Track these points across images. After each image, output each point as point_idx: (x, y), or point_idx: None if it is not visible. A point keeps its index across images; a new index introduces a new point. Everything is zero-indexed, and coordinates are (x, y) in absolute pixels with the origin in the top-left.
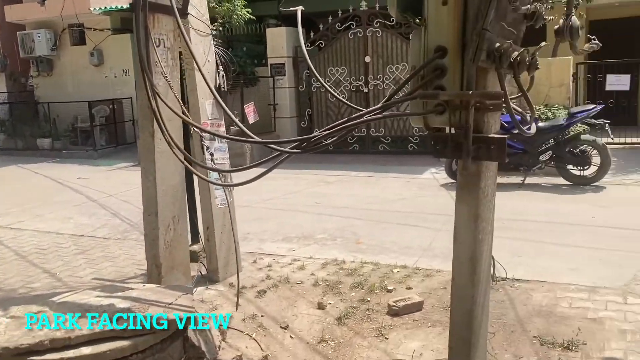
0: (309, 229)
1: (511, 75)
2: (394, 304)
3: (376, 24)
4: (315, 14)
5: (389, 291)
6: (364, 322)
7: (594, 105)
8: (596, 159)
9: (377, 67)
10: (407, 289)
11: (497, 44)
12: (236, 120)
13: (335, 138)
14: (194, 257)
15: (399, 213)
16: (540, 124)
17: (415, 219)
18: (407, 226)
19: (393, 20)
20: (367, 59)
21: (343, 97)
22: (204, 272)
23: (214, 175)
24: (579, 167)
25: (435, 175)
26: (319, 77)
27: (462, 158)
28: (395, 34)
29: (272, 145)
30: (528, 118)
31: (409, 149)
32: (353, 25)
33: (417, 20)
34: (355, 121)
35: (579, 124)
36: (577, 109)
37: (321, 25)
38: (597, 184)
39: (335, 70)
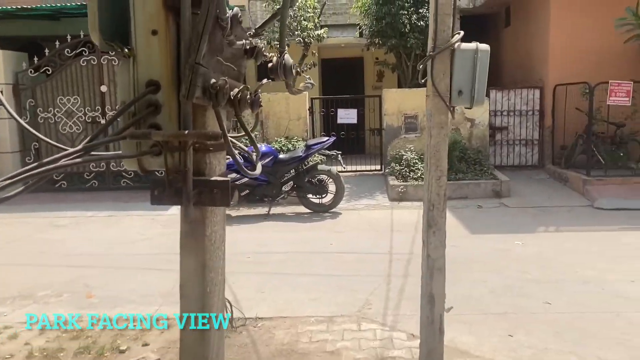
0: (29, 286)
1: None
2: None
3: (112, 52)
4: (41, 37)
5: (122, 352)
6: None
7: (328, 138)
8: (332, 187)
9: (116, 97)
10: (143, 345)
11: (213, 80)
12: None
13: (20, 190)
14: None
15: (142, 256)
16: (281, 155)
17: (159, 262)
18: (150, 270)
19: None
20: (104, 88)
21: (77, 129)
22: None
23: None
24: (317, 196)
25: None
26: (17, 117)
27: (182, 204)
28: None
29: None
30: (254, 157)
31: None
32: (86, 52)
33: (127, 50)
34: (48, 167)
35: (316, 155)
36: (312, 141)
37: (47, 51)
38: (334, 210)
39: (67, 99)
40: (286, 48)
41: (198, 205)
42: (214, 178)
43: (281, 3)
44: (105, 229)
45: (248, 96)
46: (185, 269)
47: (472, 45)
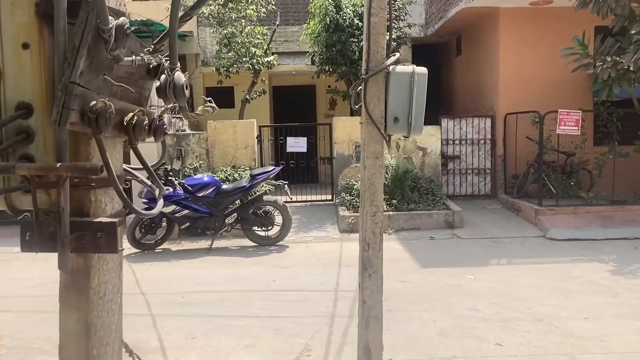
0: None
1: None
2: None
3: None
4: None
5: None
6: None
7: (274, 167)
8: (279, 219)
9: None
10: None
11: (93, 102)
12: None
13: None
14: None
15: None
16: (225, 186)
17: None
18: None
19: None
20: None
21: None
22: None
23: None
24: (263, 228)
25: None
26: None
27: (56, 251)
28: None
29: None
30: (157, 193)
31: None
32: None
33: None
34: None
35: (264, 185)
36: (258, 170)
37: None
38: (281, 243)
39: None
40: (178, 65)
41: (79, 252)
42: (98, 219)
43: (170, 15)
44: (30, 267)
45: (146, 122)
46: (65, 328)
47: (409, 67)
